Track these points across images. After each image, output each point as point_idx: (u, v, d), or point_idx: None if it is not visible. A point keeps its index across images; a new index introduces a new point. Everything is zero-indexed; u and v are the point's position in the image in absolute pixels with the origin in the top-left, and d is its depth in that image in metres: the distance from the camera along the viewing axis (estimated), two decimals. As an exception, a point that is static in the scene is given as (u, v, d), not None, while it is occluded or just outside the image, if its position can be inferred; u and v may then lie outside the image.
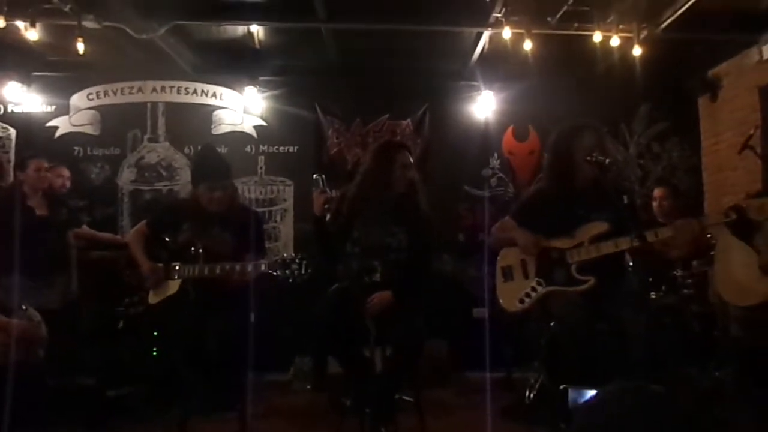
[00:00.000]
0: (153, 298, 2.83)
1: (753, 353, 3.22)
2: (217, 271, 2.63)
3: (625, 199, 2.31)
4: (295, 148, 4.87)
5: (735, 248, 2.57)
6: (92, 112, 4.76)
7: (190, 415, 2.66)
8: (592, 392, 2.07)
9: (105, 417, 3.02)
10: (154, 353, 3.22)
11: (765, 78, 4.25)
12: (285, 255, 2.54)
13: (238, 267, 2.60)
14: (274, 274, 2.50)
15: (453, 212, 4.91)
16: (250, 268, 2.58)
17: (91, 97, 4.77)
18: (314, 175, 2.64)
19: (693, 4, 3.65)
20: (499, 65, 4.66)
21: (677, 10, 3.72)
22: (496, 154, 4.98)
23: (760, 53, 4.23)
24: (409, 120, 4.95)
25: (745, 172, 4.31)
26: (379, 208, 2.69)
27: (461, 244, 4.83)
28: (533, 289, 2.59)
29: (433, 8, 3.91)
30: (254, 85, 4.75)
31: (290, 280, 2.47)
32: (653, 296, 3.40)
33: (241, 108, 4.84)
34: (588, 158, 2.40)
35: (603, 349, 2.46)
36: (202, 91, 4.84)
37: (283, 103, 4.85)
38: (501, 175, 4.96)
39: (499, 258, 2.79)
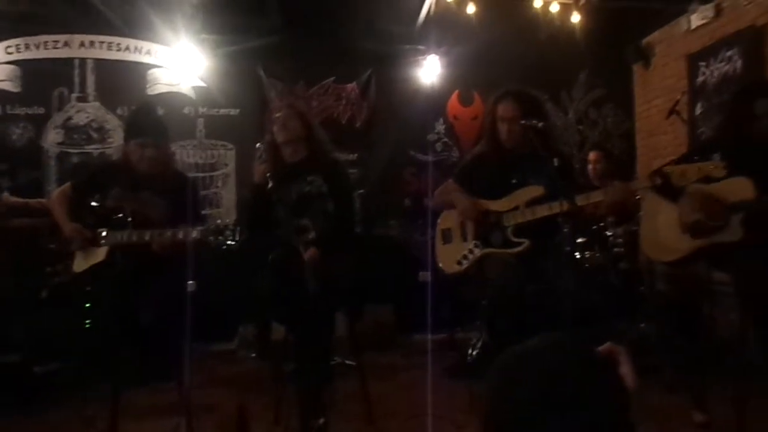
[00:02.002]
0: (78, 266, 2.67)
1: (675, 306, 3.45)
2: (147, 238, 2.51)
3: (556, 162, 2.36)
4: (237, 111, 4.73)
5: (659, 210, 2.69)
6: (11, 67, 4.42)
7: (123, 389, 2.59)
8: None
9: (32, 395, 2.89)
10: (87, 325, 3.09)
11: (692, 47, 4.44)
12: (218, 221, 2.47)
13: (169, 234, 2.49)
14: (208, 240, 2.42)
15: (399, 177, 4.93)
16: (180, 235, 2.47)
17: (9, 50, 4.41)
18: (257, 144, 2.61)
19: (629, -28, 3.73)
20: (445, 29, 4.64)
21: (614, -22, 3.80)
22: (441, 119, 5.00)
23: (689, 23, 4.39)
24: (354, 83, 4.88)
25: (673, 137, 4.53)
26: (295, 164, 2.70)
27: (407, 208, 4.87)
28: (471, 251, 2.65)
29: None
30: (193, 44, 4.54)
31: (223, 247, 2.41)
32: (587, 255, 3.55)
33: (179, 67, 4.62)
34: (522, 122, 2.44)
35: (537, 308, 2.57)
36: (136, 47, 4.59)
37: (224, 63, 4.67)
38: (446, 139, 5.00)
39: (439, 221, 2.83)
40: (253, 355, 4.09)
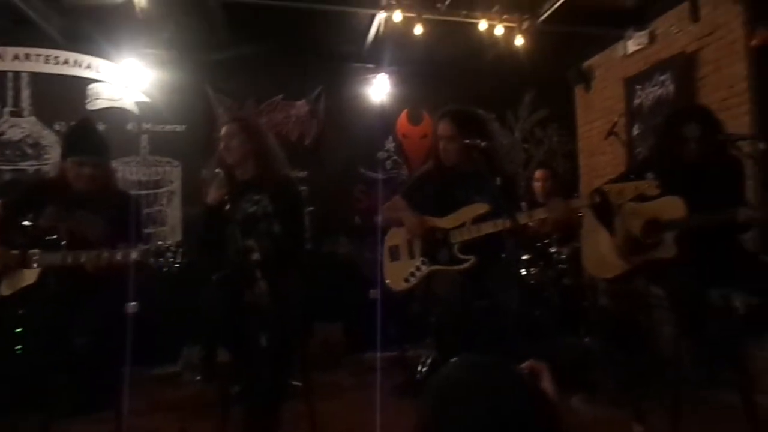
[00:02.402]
0: (6, 290, 2.52)
1: (617, 321, 3.56)
2: (82, 260, 2.40)
3: (499, 181, 2.42)
4: (183, 127, 4.61)
5: (599, 227, 2.79)
6: (-63, 78, 4.18)
7: (56, 419, 2.45)
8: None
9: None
10: (17, 351, 2.91)
11: (629, 71, 4.66)
12: (160, 243, 2.39)
13: (106, 255, 2.39)
14: (148, 262, 2.34)
15: (349, 194, 4.92)
16: (119, 256, 2.38)
17: (-64, 61, 4.19)
18: (216, 170, 2.57)
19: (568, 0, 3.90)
20: (395, 49, 4.70)
21: (554, 4, 3.97)
22: (391, 137, 5.05)
23: (625, 48, 4.62)
24: (304, 100, 4.87)
25: (612, 157, 4.72)
26: (243, 182, 2.66)
27: (357, 226, 4.86)
28: (418, 268, 2.67)
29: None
30: (136, 58, 4.43)
31: (165, 269, 2.33)
32: (532, 272, 3.63)
33: (121, 82, 4.48)
34: (465, 142, 2.49)
35: (484, 324, 2.60)
36: (75, 61, 4.42)
37: (169, 78, 4.57)
38: (396, 157, 5.04)
39: (386, 238, 2.84)
40: (198, 377, 3.96)
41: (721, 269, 2.45)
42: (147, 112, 4.55)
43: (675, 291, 2.56)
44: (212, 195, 2.57)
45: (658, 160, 2.72)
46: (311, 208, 4.54)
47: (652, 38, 4.42)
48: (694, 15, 4.00)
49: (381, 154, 4.99)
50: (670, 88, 4.22)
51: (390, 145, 5.02)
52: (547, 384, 0.82)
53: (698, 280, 2.46)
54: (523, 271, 3.59)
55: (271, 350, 2.41)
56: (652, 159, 2.94)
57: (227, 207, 2.50)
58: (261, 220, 2.63)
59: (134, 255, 2.38)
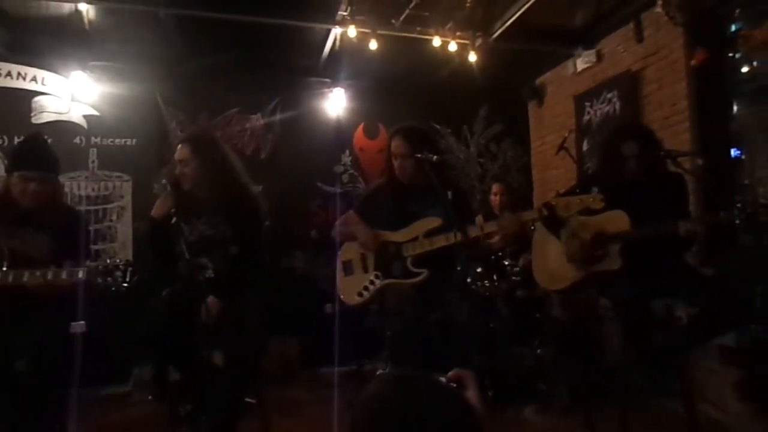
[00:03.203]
0: (-59, 310, 2.40)
1: (569, 332, 3.65)
2: (24, 279, 2.30)
3: (450, 195, 2.45)
4: (134, 141, 4.51)
5: (548, 240, 2.86)
6: None
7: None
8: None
9: None
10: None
11: (578, 88, 4.83)
12: (108, 261, 2.32)
13: (50, 275, 2.29)
14: (95, 282, 2.26)
15: (305, 208, 4.90)
16: (64, 275, 2.30)
17: None
18: (163, 181, 2.50)
19: (520, 18, 4.02)
20: (351, 63, 4.73)
21: (506, 22, 4.07)
22: (348, 151, 5.06)
23: (575, 66, 4.79)
24: (259, 114, 4.83)
25: (564, 171, 4.86)
26: (199, 200, 2.61)
27: (314, 240, 4.83)
28: (371, 282, 2.67)
29: (282, 2, 3.85)
30: (84, 70, 4.32)
31: (113, 289, 2.26)
32: (486, 284, 3.68)
33: (68, 95, 4.35)
34: (417, 156, 2.52)
35: (436, 338, 2.61)
36: (19, 73, 4.28)
37: (119, 91, 4.46)
38: (352, 171, 5.05)
39: (340, 252, 2.84)
40: (150, 397, 3.84)
41: (664, 281, 2.54)
42: (95, 125, 4.43)
43: (620, 302, 2.64)
44: (157, 208, 2.52)
45: (602, 176, 2.82)
46: (267, 223, 4.48)
47: (600, 57, 4.59)
48: (639, 36, 4.18)
49: (337, 168, 4.99)
50: (617, 105, 4.38)
51: (347, 159, 5.03)
52: (472, 393, 0.83)
53: (642, 292, 2.55)
54: (478, 284, 3.63)
55: (225, 368, 2.38)
56: (597, 174, 3.04)
57: (173, 220, 2.43)
58: (218, 243, 2.59)
59: (80, 274, 2.30)
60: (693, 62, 3.67)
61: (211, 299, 2.43)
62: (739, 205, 2.33)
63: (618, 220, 2.60)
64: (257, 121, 4.80)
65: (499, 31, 4.20)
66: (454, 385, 0.86)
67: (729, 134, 3.74)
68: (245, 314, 2.50)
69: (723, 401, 3.01)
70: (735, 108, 3.77)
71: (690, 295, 2.56)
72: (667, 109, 3.91)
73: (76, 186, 4.32)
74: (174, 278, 2.67)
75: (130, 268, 2.31)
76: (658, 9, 3.79)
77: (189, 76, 4.61)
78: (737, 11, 3.64)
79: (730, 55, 3.71)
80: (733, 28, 3.68)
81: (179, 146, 2.65)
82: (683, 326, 2.68)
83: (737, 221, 2.31)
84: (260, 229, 2.75)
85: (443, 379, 0.88)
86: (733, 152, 3.75)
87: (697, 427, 2.51)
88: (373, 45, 3.94)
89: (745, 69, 3.70)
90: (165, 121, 4.58)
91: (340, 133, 5.01)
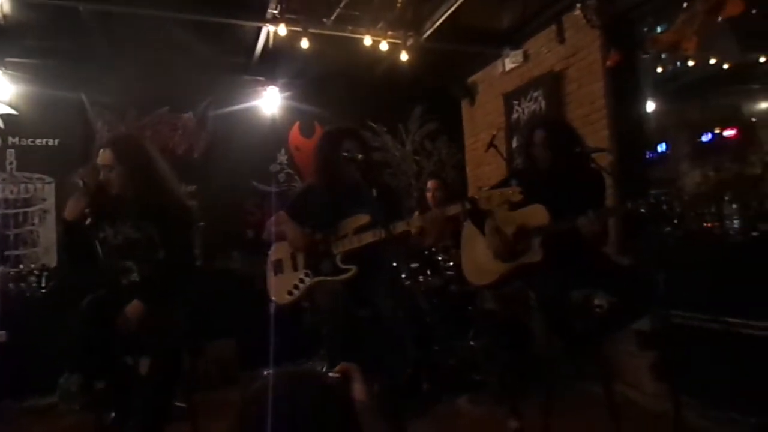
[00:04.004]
0: None
1: (500, 323, 3.77)
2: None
3: (375, 193, 2.49)
4: (56, 141, 4.33)
5: (474, 236, 2.95)
6: None
7: None
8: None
9: None
10: None
11: (507, 86, 4.99)
12: (21, 266, 2.23)
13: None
14: (7, 288, 2.18)
15: (241, 208, 4.83)
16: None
17: None
18: (77, 179, 2.41)
19: (449, 18, 4.12)
20: (285, 62, 4.70)
21: (435, 23, 4.16)
22: (283, 150, 5.03)
23: (503, 65, 4.94)
24: (191, 113, 4.73)
25: (496, 167, 5.01)
26: (125, 203, 2.54)
27: (250, 240, 4.77)
28: (301, 280, 2.68)
29: (211, -1, 3.80)
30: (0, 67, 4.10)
31: (27, 295, 2.18)
32: (420, 279, 3.76)
33: (-19, 93, 4.12)
34: (345, 155, 2.55)
35: (367, 334, 2.65)
36: (-74, 70, 4.02)
37: (39, 89, 4.26)
38: (289, 170, 5.02)
39: (270, 252, 2.83)
40: (77, 407, 3.69)
41: (583, 271, 2.66)
42: (13, 125, 4.21)
43: (543, 293, 2.75)
44: (70, 210, 2.40)
45: (523, 170, 2.93)
46: (201, 224, 4.40)
47: (526, 57, 4.77)
48: (560, 37, 4.37)
49: (273, 167, 4.96)
50: (542, 103, 4.56)
51: (282, 158, 5.00)
52: (358, 387, 0.86)
53: (563, 282, 2.67)
54: (412, 279, 3.70)
55: (149, 374, 2.33)
56: (520, 169, 3.16)
57: (88, 221, 2.36)
58: (144, 246, 2.52)
59: (-12, 281, 2.20)
60: (608, 63, 3.87)
61: (133, 304, 2.37)
62: (652, 200, 2.45)
63: (538, 214, 2.70)
64: (189, 120, 4.69)
65: (430, 31, 4.28)
66: (337, 378, 0.89)
67: (645, 132, 3.97)
68: (171, 319, 2.45)
69: (639, 382, 3.21)
70: (654, 106, 3.99)
71: (607, 284, 2.69)
72: (587, 107, 4.10)
73: (-8, 189, 4.10)
74: (97, 283, 2.59)
75: (45, 273, 2.24)
76: (577, 12, 3.97)
77: (115, 74, 4.45)
78: (650, 15, 3.86)
79: (644, 56, 3.94)
80: (645, 30, 3.91)
81: (101, 150, 2.55)
82: (602, 314, 2.83)
83: (642, 210, 2.44)
84: (188, 233, 2.70)
85: (330, 374, 0.91)
86: (652, 150, 3.97)
87: (615, 408, 2.65)
88: (305, 44, 3.93)
89: (660, 69, 3.93)
90: (91, 120, 4.41)
91: (276, 132, 4.98)
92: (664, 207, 2.39)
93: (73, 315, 2.47)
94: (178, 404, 2.87)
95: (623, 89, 3.94)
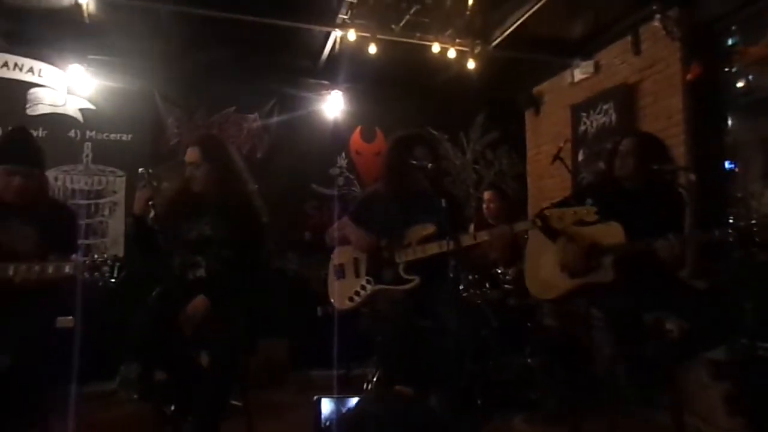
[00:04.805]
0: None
1: (559, 341, 3.64)
2: (10, 273, 2.28)
3: (444, 203, 2.44)
4: (129, 136, 4.49)
5: (542, 249, 2.86)
6: None
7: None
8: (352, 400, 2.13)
9: None
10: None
11: (575, 98, 4.84)
12: (96, 256, 2.30)
13: (36, 268, 2.28)
14: (83, 277, 2.24)
15: (300, 210, 4.88)
16: (50, 270, 2.28)
17: None
18: (140, 170, 2.50)
19: (519, 27, 4.04)
20: (350, 66, 4.72)
21: (505, 31, 4.09)
22: (344, 154, 5.05)
23: (572, 76, 4.80)
24: (256, 114, 4.82)
25: (559, 180, 4.86)
26: (203, 200, 2.62)
27: (307, 242, 4.81)
28: (363, 287, 2.66)
29: (283, 3, 3.85)
30: (81, 64, 4.30)
31: (100, 284, 2.25)
32: (479, 293, 3.68)
33: (65, 88, 4.32)
34: (414, 163, 2.52)
35: (427, 345, 2.60)
36: (16, 64, 4.25)
37: (116, 86, 4.44)
38: (348, 174, 5.04)
39: (332, 256, 2.83)
40: (135, 396, 3.80)
41: (655, 294, 2.54)
42: (91, 119, 4.40)
43: (612, 313, 2.64)
44: (138, 204, 2.51)
45: (598, 186, 2.82)
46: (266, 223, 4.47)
47: (597, 68, 4.61)
48: (636, 48, 4.20)
49: (333, 171, 4.99)
50: (613, 116, 4.39)
51: (342, 161, 5.02)
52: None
53: (634, 304, 2.55)
54: (470, 292, 3.62)
55: (210, 370, 2.36)
56: (594, 185, 3.04)
57: (152, 214, 2.44)
58: (215, 243, 2.59)
59: (67, 269, 2.28)
60: (689, 76, 3.69)
61: (198, 298, 2.42)
62: (731, 220, 2.33)
63: (613, 232, 2.60)
64: (254, 121, 4.78)
65: (498, 40, 4.21)
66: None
67: (723, 149, 3.76)
68: (232, 316, 2.47)
69: (712, 415, 3.01)
70: (730, 122, 3.78)
71: (681, 309, 2.55)
72: (662, 121, 3.92)
73: (68, 179, 4.29)
74: (164, 276, 2.65)
75: (117, 264, 2.30)
76: (656, 23, 3.81)
77: (187, 73, 4.59)
78: (734, 27, 3.66)
79: (726, 69, 3.73)
80: (730, 43, 3.70)
81: (190, 148, 2.69)
82: (674, 339, 2.68)
83: (730, 239, 2.31)
84: (260, 234, 2.75)
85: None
86: (727, 166, 3.77)
87: (684, 440, 2.51)
88: (373, 49, 3.94)
89: (740, 84, 3.72)
90: (162, 117, 4.56)
91: (337, 136, 5.01)
92: (756, 236, 2.24)
93: (140, 305, 2.54)
94: (234, 402, 2.91)
95: (703, 104, 3.75)
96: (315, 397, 2.24)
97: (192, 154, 2.64)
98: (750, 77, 3.59)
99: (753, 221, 2.29)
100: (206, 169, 2.61)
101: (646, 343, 2.68)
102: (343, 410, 2.07)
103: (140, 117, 4.51)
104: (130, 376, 3.86)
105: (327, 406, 2.21)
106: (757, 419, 2.68)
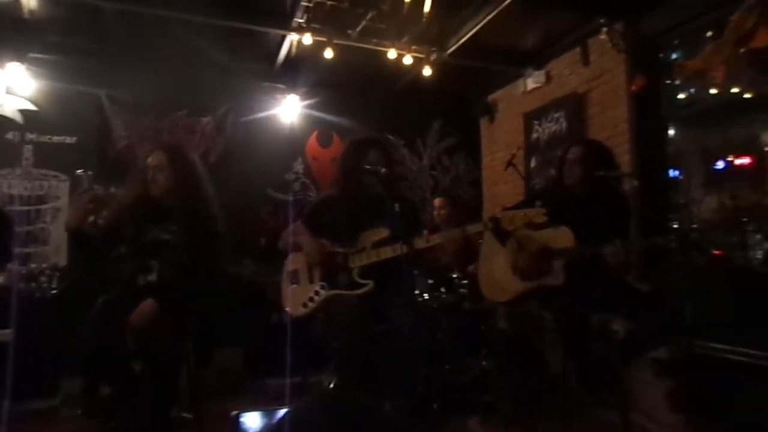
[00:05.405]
0: None
1: (513, 344, 3.70)
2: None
3: (397, 207, 2.45)
4: (73, 138, 4.30)
5: (494, 252, 2.90)
6: None
7: None
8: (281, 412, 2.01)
9: None
10: None
11: (528, 106, 4.96)
12: (33, 265, 2.20)
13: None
14: (18, 287, 2.14)
15: (255, 216, 4.80)
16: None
17: None
18: (78, 171, 2.40)
19: (473, 36, 4.10)
20: (306, 71, 4.69)
21: (460, 39, 4.15)
22: (300, 159, 5.00)
23: (525, 85, 4.92)
24: (210, 117, 4.72)
25: (513, 186, 4.96)
26: (163, 206, 2.58)
27: (263, 248, 4.73)
28: (317, 293, 2.64)
29: (236, 4, 3.79)
30: (21, 62, 4.10)
31: (37, 295, 2.14)
32: (434, 296, 3.70)
33: (2, 87, 4.10)
34: (367, 167, 2.52)
35: (382, 349, 2.60)
36: (-52, 63, 4.02)
37: (59, 86, 4.25)
38: (304, 179, 4.99)
39: (286, 262, 2.80)
40: (79, 412, 3.63)
41: (602, 296, 2.61)
42: (32, 121, 4.20)
43: (561, 316, 2.70)
44: (72, 217, 2.42)
45: (548, 191, 2.89)
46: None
47: (549, 78, 4.74)
48: (585, 60, 4.35)
49: (289, 176, 4.93)
50: (564, 124, 4.53)
51: (299, 167, 4.97)
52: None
53: (582, 306, 2.62)
54: (425, 296, 3.64)
55: (151, 379, 2.28)
56: (544, 190, 3.12)
57: (91, 219, 2.37)
58: (172, 248, 2.54)
59: (0, 278, 2.16)
60: (633, 87, 3.84)
61: (146, 302, 2.34)
62: (675, 226, 2.43)
63: (563, 237, 2.66)
64: (207, 124, 4.68)
65: (454, 48, 4.26)
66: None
67: (665, 157, 3.92)
68: (181, 324, 2.40)
69: (656, 412, 3.12)
70: (672, 132, 3.95)
71: (627, 311, 2.64)
72: (609, 130, 4.06)
73: (6, 184, 4.07)
74: (110, 282, 2.56)
75: (57, 273, 2.20)
76: (603, 36, 3.95)
77: (135, 75, 4.44)
78: (675, 41, 3.84)
79: (668, 82, 3.90)
80: (673, 57, 3.88)
81: (154, 152, 2.65)
82: (620, 340, 2.77)
83: (672, 244, 2.40)
84: (217, 241, 2.69)
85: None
86: (671, 174, 3.92)
87: (630, 436, 2.58)
88: (329, 54, 3.91)
89: (681, 96, 3.89)
90: (108, 119, 4.40)
91: (293, 141, 4.96)
92: (694, 241, 2.35)
93: (83, 316, 2.43)
94: (185, 415, 2.82)
95: (646, 114, 3.90)
96: (233, 413, 2.04)
97: (157, 158, 2.62)
98: (692, 90, 3.76)
99: (691, 227, 2.40)
100: (168, 174, 2.58)
101: (594, 344, 2.75)
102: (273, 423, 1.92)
103: (85, 119, 4.34)
104: (73, 391, 3.69)
105: (253, 420, 2.01)
106: (697, 414, 2.79)
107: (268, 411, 2.04)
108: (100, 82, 4.38)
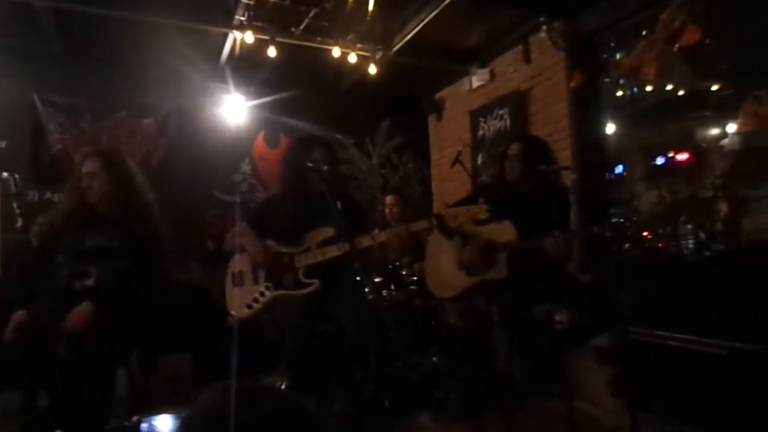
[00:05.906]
0: None
1: (463, 339, 3.75)
2: None
3: (339, 206, 2.44)
4: (4, 142, 4.10)
5: (440, 248, 2.94)
6: None
7: None
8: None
9: None
10: None
11: (474, 104, 5.05)
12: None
13: None
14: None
15: (202, 218, 4.70)
16: None
17: None
18: (4, 174, 2.30)
19: (418, 35, 4.14)
20: (251, 70, 4.62)
21: (405, 37, 4.18)
22: (247, 159, 4.93)
23: (470, 83, 5.01)
24: (151, 119, 4.58)
25: (460, 183, 5.04)
26: (100, 213, 2.52)
27: (210, 251, 4.63)
28: (261, 293, 2.60)
29: (178, 2, 3.70)
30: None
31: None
32: (384, 294, 3.71)
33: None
34: (310, 165, 2.50)
35: (329, 349, 2.58)
36: None
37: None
38: (252, 180, 4.92)
39: (230, 264, 2.75)
40: (18, 429, 3.46)
41: (545, 287, 2.68)
42: (-42, 124, 3.99)
43: (505, 308, 2.76)
44: None
45: (491, 187, 2.94)
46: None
47: (493, 76, 4.84)
48: (527, 57, 4.46)
49: (236, 177, 4.85)
50: (508, 121, 4.63)
51: (246, 167, 4.89)
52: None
53: (525, 298, 2.68)
54: (375, 294, 3.64)
55: (84, 387, 2.19)
56: (487, 186, 3.18)
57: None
58: (109, 254, 2.47)
59: None
60: (572, 84, 3.96)
61: (82, 305, 2.26)
62: (614, 219, 2.51)
63: (506, 231, 2.71)
64: (148, 126, 4.54)
65: (399, 46, 4.29)
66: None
67: (604, 153, 4.06)
68: (120, 329, 2.33)
69: (598, 398, 3.24)
70: (613, 128, 4.10)
71: (569, 301, 2.71)
72: (551, 126, 4.18)
73: (-70, 191, 3.84)
74: (45, 289, 2.46)
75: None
76: (543, 34, 4.06)
77: (71, 76, 4.28)
78: (612, 39, 3.98)
79: (606, 79, 4.05)
80: (617, 56, 4.02)
81: (88, 159, 2.58)
82: (563, 329, 2.85)
83: (607, 234, 2.49)
84: (158, 246, 2.64)
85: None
86: (616, 170, 4.07)
87: (575, 424, 2.66)
88: (272, 52, 3.87)
89: (620, 93, 4.04)
90: (42, 122, 4.21)
91: (240, 141, 4.88)
92: (628, 231, 2.44)
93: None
94: (125, 423, 2.73)
95: (585, 110, 4.04)
96: (134, 418, 2.00)
97: (91, 164, 2.55)
98: (635, 90, 3.91)
99: (625, 219, 2.49)
100: (104, 180, 2.53)
101: (538, 335, 2.82)
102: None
103: (18, 121, 4.15)
104: (10, 406, 3.51)
105: (164, 423, 1.95)
106: (635, 398, 2.90)
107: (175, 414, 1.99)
108: (34, 83, 4.19)
